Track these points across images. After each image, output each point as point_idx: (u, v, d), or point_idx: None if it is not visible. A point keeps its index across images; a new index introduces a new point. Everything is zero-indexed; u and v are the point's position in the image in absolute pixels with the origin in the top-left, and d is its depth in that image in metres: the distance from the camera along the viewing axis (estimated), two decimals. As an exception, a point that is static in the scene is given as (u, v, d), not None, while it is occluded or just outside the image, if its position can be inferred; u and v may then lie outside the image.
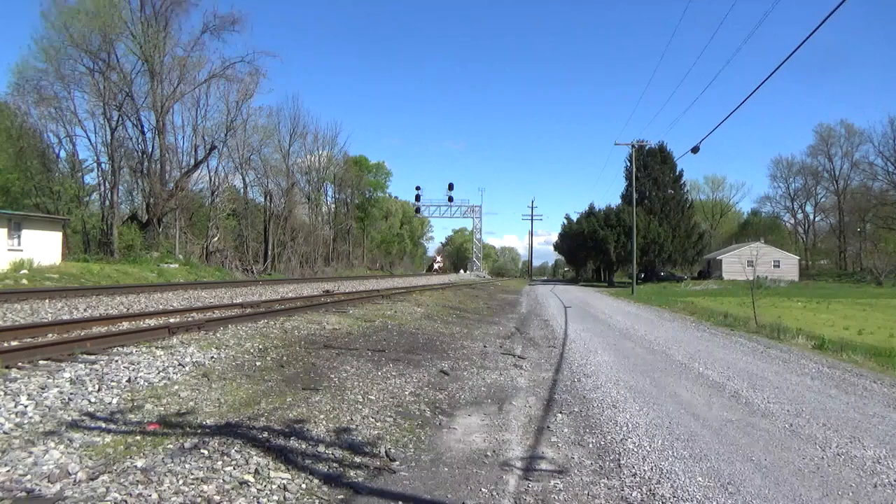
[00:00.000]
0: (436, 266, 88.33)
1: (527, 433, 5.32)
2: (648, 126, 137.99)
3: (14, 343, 7.27)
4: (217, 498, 3.40)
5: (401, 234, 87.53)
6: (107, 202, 32.99)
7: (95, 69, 31.53)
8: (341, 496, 3.67)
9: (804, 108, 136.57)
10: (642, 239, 52.69)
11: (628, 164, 56.11)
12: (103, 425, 4.44)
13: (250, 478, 3.73)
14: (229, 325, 9.64)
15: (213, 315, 11.41)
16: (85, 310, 11.67)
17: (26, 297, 13.04)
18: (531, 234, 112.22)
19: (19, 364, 6.09)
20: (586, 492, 3.96)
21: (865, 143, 68.96)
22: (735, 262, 54.03)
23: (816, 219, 79.15)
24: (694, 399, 6.81)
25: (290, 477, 3.84)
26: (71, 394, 5.13)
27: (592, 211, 64.04)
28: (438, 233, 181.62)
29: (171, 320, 10.14)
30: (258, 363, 7.13)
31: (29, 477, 3.44)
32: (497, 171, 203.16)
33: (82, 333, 8.20)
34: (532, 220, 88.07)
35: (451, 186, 76.09)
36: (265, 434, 4.55)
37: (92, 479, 3.46)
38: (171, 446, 4.10)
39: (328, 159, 56.01)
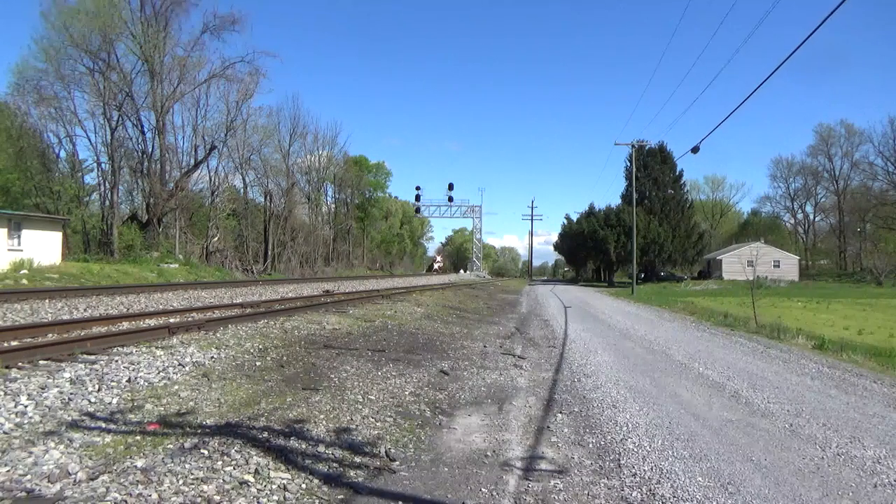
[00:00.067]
0: (436, 266, 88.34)
1: (527, 433, 5.32)
2: (648, 126, 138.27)
3: (14, 343, 7.27)
4: (217, 498, 3.40)
5: (401, 234, 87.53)
6: (107, 202, 33.01)
7: (95, 69, 31.56)
8: (341, 496, 3.67)
9: (804, 108, 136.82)
10: (642, 239, 52.69)
11: (628, 164, 56.18)
12: (103, 425, 4.44)
13: (250, 478, 3.73)
14: (229, 325, 9.64)
15: (213, 315, 11.41)
16: (85, 310, 11.67)
17: (26, 297, 13.04)
18: (531, 234, 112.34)
19: (19, 364, 6.09)
20: (586, 492, 3.96)
21: (865, 143, 69.11)
22: (735, 262, 54.04)
23: (816, 219, 79.30)
24: (694, 399, 6.81)
25: (290, 477, 3.84)
26: (71, 394, 5.13)
27: (592, 211, 64.06)
28: (438, 233, 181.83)
29: (171, 320, 10.14)
30: (258, 363, 7.13)
31: (29, 477, 3.44)
32: (497, 171, 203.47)
33: (82, 333, 8.20)
34: (532, 220, 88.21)
35: (451, 186, 76.20)
36: (265, 434, 4.55)
37: (92, 479, 3.46)
38: (171, 446, 4.10)
39: (328, 159, 56.07)
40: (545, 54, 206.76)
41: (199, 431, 4.46)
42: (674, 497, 3.86)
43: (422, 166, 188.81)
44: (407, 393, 6.54)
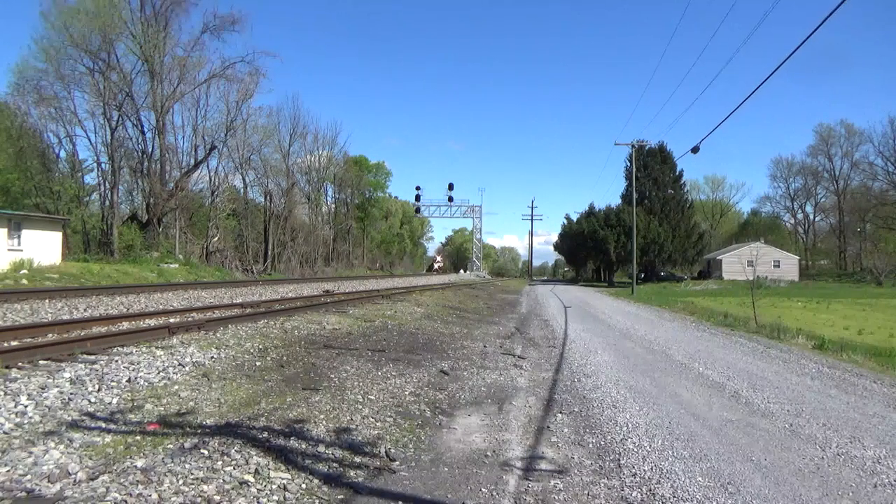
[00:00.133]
0: (436, 266, 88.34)
1: (527, 433, 5.32)
2: (648, 126, 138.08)
3: (14, 343, 7.27)
4: (217, 498, 3.40)
5: (401, 234, 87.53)
6: (107, 202, 33.01)
7: (95, 69, 31.55)
8: (341, 496, 3.67)
9: (804, 108, 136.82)
10: (642, 239, 52.70)
11: (628, 164, 56.17)
12: (103, 425, 4.44)
13: (250, 478, 3.73)
14: (229, 325, 9.64)
15: (213, 315, 11.41)
16: (85, 310, 11.67)
17: (26, 297, 13.04)
18: (531, 234, 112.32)
19: (19, 364, 6.09)
20: (586, 492, 3.96)
21: (865, 143, 69.13)
22: (735, 262, 54.04)
23: (816, 219, 79.31)
24: (694, 399, 6.81)
25: (290, 477, 3.84)
26: (71, 394, 5.13)
27: (592, 211, 64.07)
28: (438, 233, 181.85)
29: (171, 320, 10.14)
30: (258, 363, 7.13)
31: (29, 477, 3.44)
32: (497, 171, 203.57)
33: (82, 333, 8.20)
34: (532, 220, 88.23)
35: (451, 186, 76.19)
36: (265, 434, 4.55)
37: (92, 479, 3.46)
38: (171, 446, 4.10)
39: (328, 159, 56.07)
40: (545, 54, 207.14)
41: (199, 431, 4.46)
42: (674, 497, 3.86)
43: (422, 166, 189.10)
44: (407, 393, 6.54)
